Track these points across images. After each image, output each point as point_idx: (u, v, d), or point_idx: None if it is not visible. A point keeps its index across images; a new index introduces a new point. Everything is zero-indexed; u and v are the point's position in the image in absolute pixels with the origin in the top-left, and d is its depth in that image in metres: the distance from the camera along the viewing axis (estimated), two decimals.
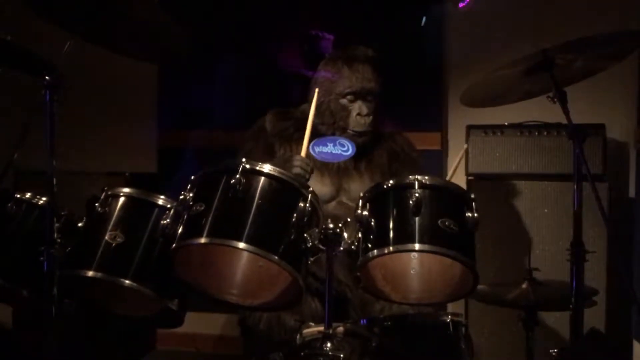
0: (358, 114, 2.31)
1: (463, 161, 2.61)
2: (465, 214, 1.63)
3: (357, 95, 2.32)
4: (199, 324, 3.04)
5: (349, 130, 2.31)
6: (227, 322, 3.11)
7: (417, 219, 1.60)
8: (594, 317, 2.43)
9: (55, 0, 1.69)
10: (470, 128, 2.71)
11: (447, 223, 1.59)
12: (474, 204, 1.65)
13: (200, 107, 3.18)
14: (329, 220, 1.64)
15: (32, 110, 1.65)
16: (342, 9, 3.01)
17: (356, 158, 2.28)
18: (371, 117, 2.32)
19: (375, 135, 2.39)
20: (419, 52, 2.97)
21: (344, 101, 2.32)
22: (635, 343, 2.65)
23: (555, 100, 1.78)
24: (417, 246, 1.59)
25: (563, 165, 2.56)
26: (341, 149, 2.26)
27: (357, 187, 2.25)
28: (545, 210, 2.59)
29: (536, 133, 2.63)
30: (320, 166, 2.29)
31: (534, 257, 2.32)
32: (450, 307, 2.69)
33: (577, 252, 1.77)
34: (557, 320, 2.49)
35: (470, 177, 2.71)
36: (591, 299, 2.06)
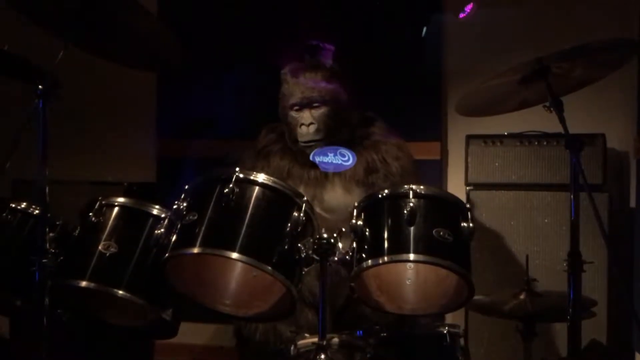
0: (302, 124, 2.29)
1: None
2: (460, 224, 1.62)
3: (302, 106, 2.30)
4: (196, 334, 3.02)
5: (300, 143, 2.30)
6: (224, 333, 3.08)
7: (411, 228, 1.59)
8: (596, 329, 2.40)
9: (50, 8, 1.70)
10: (469, 138, 2.70)
11: (441, 233, 1.58)
12: (469, 213, 1.64)
13: (199, 116, 3.18)
14: (323, 230, 1.63)
15: (26, 119, 1.65)
16: (342, 20, 3.01)
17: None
18: (316, 125, 2.28)
19: (350, 142, 2.33)
20: (418, 62, 2.96)
21: (292, 113, 2.32)
22: (637, 355, 2.62)
23: (552, 109, 1.77)
24: (411, 256, 1.58)
25: (563, 175, 2.54)
26: (342, 158, 2.25)
27: (331, 198, 2.24)
28: (545, 221, 2.57)
29: (536, 143, 2.62)
30: (295, 177, 2.28)
31: (534, 267, 2.30)
32: (450, 318, 2.67)
33: (574, 263, 1.75)
34: (556, 332, 2.46)
35: (469, 187, 2.69)
36: (590, 310, 2.03)
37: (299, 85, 2.31)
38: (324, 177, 2.29)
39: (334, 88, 2.32)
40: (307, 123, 2.28)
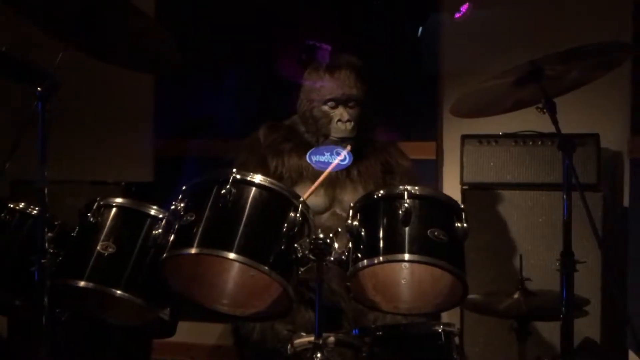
0: (339, 120, 2.32)
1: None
2: (454, 224, 1.64)
3: (338, 102, 2.34)
4: (194, 334, 3.04)
5: (331, 137, 2.33)
6: (222, 332, 3.10)
7: (406, 229, 1.61)
8: (590, 327, 2.42)
9: (49, 10, 1.71)
10: (464, 137, 2.72)
11: (436, 233, 1.60)
12: (463, 214, 1.66)
13: (197, 116, 3.20)
14: (319, 231, 1.65)
15: (25, 120, 1.66)
16: (339, 20, 3.03)
17: (350, 169, 2.29)
18: (353, 124, 2.33)
19: (367, 144, 2.40)
20: (414, 62, 2.98)
21: (325, 108, 2.34)
22: (630, 353, 2.65)
23: (545, 110, 1.79)
24: (406, 256, 1.60)
25: (557, 175, 2.54)
26: (338, 158, 2.27)
27: (351, 198, 2.25)
28: (540, 220, 2.59)
29: (530, 143, 2.64)
30: (313, 178, 2.30)
31: (529, 266, 2.31)
32: (446, 317, 2.69)
33: (567, 262, 1.77)
34: (551, 330, 2.48)
35: (464, 187, 2.71)
36: (583, 309, 2.06)
37: (338, 81, 2.33)
38: (344, 177, 2.32)
39: (367, 89, 2.36)
40: (344, 120, 2.32)
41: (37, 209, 1.83)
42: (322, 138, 2.34)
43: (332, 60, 2.39)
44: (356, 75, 2.35)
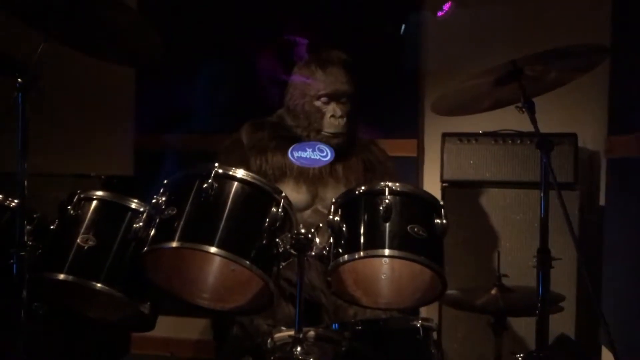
0: (332, 115, 2.34)
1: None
2: (434, 221, 1.66)
3: (331, 97, 2.36)
4: (174, 328, 3.04)
5: (323, 132, 2.34)
6: (202, 327, 3.10)
7: (387, 224, 1.63)
8: (565, 324, 2.47)
9: (30, 2, 1.69)
10: (445, 135, 2.75)
11: (416, 229, 1.62)
12: (442, 210, 1.68)
13: (177, 110, 3.18)
14: (301, 226, 1.66)
15: (3, 113, 1.64)
16: (319, 15, 3.03)
17: (332, 166, 2.31)
18: (345, 119, 2.35)
19: (351, 141, 2.41)
20: (395, 60, 3.00)
21: (318, 103, 2.36)
22: (604, 349, 2.70)
23: (524, 110, 1.81)
24: (386, 252, 1.61)
25: (536, 173, 2.54)
26: (320, 154, 2.28)
27: (333, 195, 2.25)
28: (517, 218, 2.63)
29: (510, 141, 2.68)
30: (296, 174, 2.30)
31: (506, 263, 2.34)
32: (424, 312, 2.72)
33: (543, 259, 1.80)
34: (526, 326, 2.52)
35: (444, 184, 2.74)
36: (558, 305, 2.09)
37: (330, 76, 2.36)
38: (326, 174, 2.33)
39: (356, 85, 2.40)
40: (338, 115, 2.34)
41: (15, 201, 1.81)
42: (313, 133, 2.35)
43: (323, 55, 2.41)
44: (346, 71, 2.38)
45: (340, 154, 2.35)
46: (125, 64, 2.22)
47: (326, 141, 2.22)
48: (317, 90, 2.35)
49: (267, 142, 2.36)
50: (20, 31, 1.75)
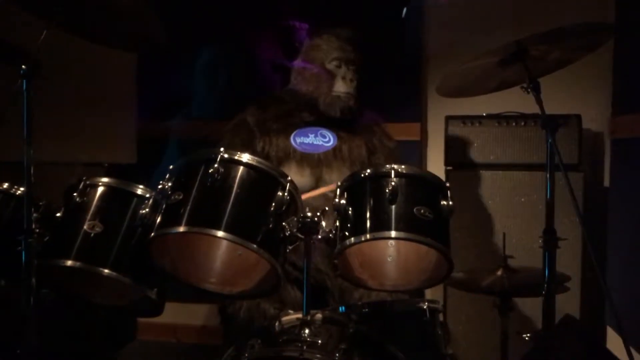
0: (343, 77, 2.40)
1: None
2: (440, 202, 1.66)
3: (343, 62, 2.42)
4: (180, 314, 3.05)
5: (333, 92, 2.36)
6: (208, 313, 3.12)
7: (393, 207, 1.63)
8: (570, 304, 2.48)
9: None
10: (449, 118, 2.74)
11: (422, 211, 1.62)
12: (448, 192, 1.68)
13: (180, 97, 3.18)
14: (307, 209, 1.66)
15: (8, 100, 1.64)
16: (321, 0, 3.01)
17: (336, 150, 2.31)
18: (355, 83, 2.40)
19: (352, 124, 2.40)
20: (398, 43, 2.98)
21: (330, 66, 2.42)
22: (609, 329, 2.71)
23: (529, 90, 1.81)
24: (393, 233, 1.61)
25: (540, 155, 2.59)
26: (322, 139, 2.29)
27: (337, 179, 2.27)
28: (522, 200, 2.63)
29: (514, 123, 2.67)
30: (300, 158, 2.30)
31: (511, 245, 2.36)
32: (429, 294, 2.73)
33: (549, 240, 1.80)
34: (532, 306, 2.53)
35: (448, 167, 2.74)
36: (564, 285, 2.10)
37: (342, 42, 2.44)
38: (330, 158, 2.33)
39: (362, 60, 2.47)
40: (348, 78, 2.41)
41: (21, 189, 1.81)
42: (322, 94, 2.38)
43: (337, 30, 2.47)
44: (357, 46, 2.45)
45: (343, 138, 2.36)
46: (128, 50, 2.22)
47: (335, 102, 2.30)
48: (331, 54, 2.41)
49: (271, 124, 2.35)
50: (22, 18, 1.75)
